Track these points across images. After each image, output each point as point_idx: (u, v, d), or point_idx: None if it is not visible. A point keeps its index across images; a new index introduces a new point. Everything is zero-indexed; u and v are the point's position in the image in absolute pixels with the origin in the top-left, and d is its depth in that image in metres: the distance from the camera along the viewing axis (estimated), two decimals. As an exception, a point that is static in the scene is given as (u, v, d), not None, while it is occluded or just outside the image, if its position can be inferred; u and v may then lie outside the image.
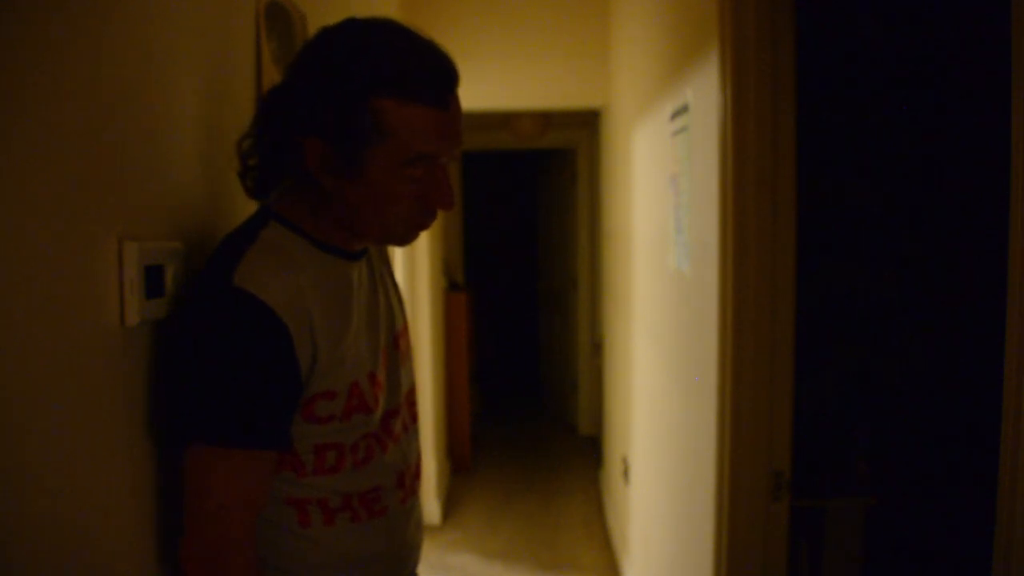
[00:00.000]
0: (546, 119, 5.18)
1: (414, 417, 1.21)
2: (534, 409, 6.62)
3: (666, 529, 2.42)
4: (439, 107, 0.95)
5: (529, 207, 7.14)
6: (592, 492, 4.68)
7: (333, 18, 1.01)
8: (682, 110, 2.05)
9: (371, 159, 0.94)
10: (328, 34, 0.97)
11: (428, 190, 0.99)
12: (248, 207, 1.12)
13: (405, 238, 1.06)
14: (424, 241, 3.99)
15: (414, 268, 3.94)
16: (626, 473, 3.44)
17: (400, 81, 0.92)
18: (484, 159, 6.72)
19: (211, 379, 0.92)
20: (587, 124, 5.23)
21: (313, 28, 1.22)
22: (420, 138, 0.94)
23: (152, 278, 0.94)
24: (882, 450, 2.50)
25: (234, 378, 0.92)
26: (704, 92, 1.79)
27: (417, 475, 1.20)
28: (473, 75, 4.20)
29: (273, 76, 1.38)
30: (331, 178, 0.97)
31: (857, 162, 2.60)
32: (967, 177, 2.53)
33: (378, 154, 0.94)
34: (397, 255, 3.55)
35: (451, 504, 4.49)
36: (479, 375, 5.85)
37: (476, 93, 3.89)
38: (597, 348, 5.14)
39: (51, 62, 0.77)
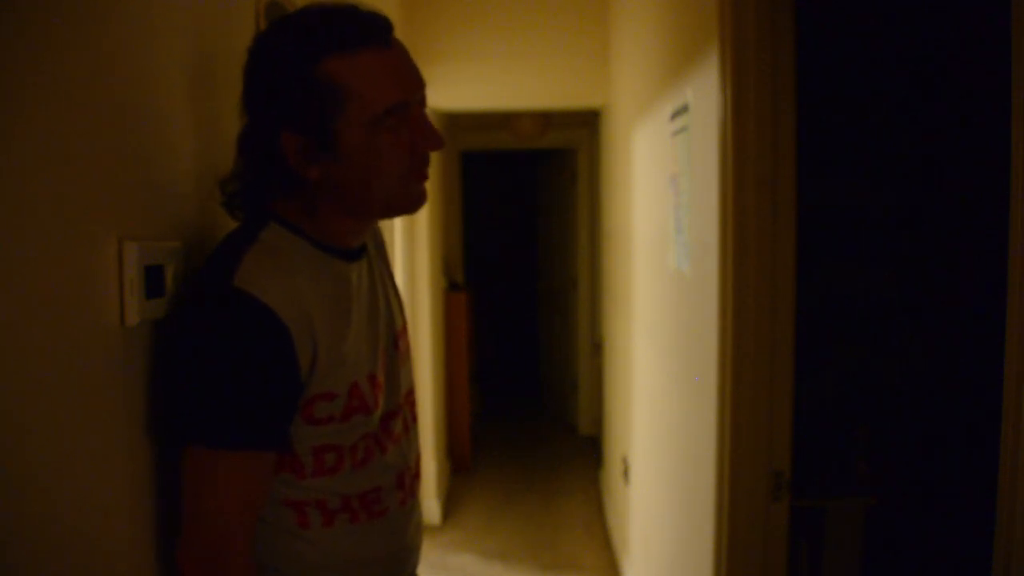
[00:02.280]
0: (546, 119, 5.19)
1: (414, 418, 1.21)
2: (534, 409, 6.62)
3: (666, 529, 2.42)
4: (381, 46, 0.95)
5: (529, 207, 7.14)
6: (592, 492, 4.68)
7: (333, 18, 1.00)
8: (682, 110, 2.05)
9: (343, 129, 0.94)
10: (259, 38, 0.98)
11: (412, 138, 0.98)
12: (248, 207, 1.12)
13: (412, 199, 1.03)
14: (424, 241, 3.99)
15: (414, 268, 3.94)
16: (626, 473, 3.44)
17: (334, 36, 0.93)
18: (484, 159, 6.72)
19: (211, 380, 0.91)
20: (587, 124, 5.23)
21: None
22: (376, 84, 0.93)
23: (152, 278, 0.94)
24: (882, 450, 2.50)
25: (234, 380, 0.92)
26: (704, 92, 1.79)
27: (417, 476, 1.20)
28: (473, 75, 4.22)
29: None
30: (316, 167, 0.96)
31: (857, 162, 2.60)
32: (967, 177, 2.53)
33: (348, 121, 0.93)
34: (397, 256, 3.55)
35: (451, 504, 4.49)
36: (479, 375, 5.85)
37: (476, 93, 3.91)
38: (597, 348, 5.14)
39: (51, 63, 0.77)
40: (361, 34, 0.94)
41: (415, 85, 0.98)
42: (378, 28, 0.95)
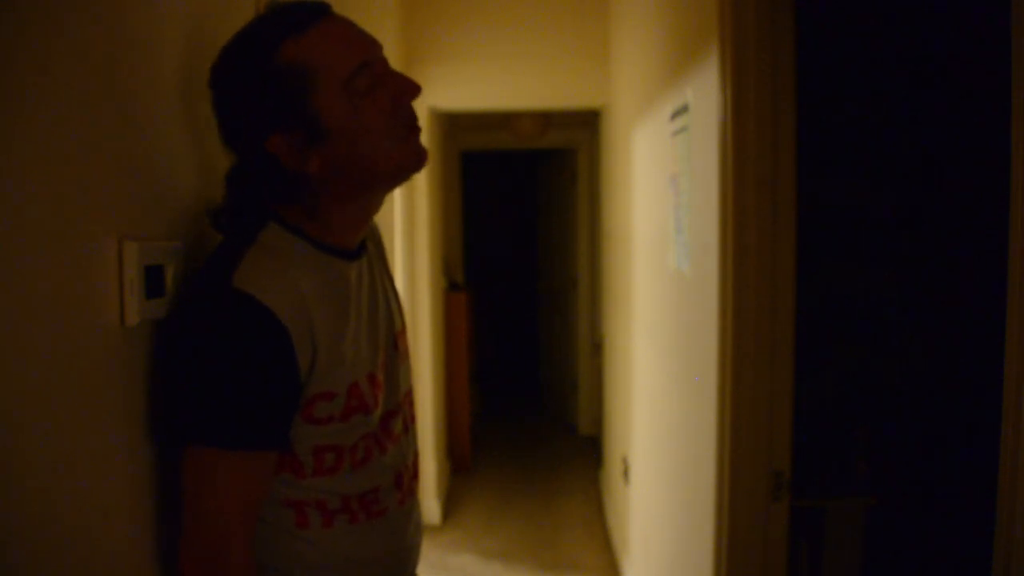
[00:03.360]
0: (546, 119, 5.19)
1: (413, 418, 1.21)
2: (534, 409, 6.62)
3: (666, 529, 2.42)
4: (325, 18, 0.97)
5: (529, 207, 7.14)
6: (592, 492, 4.68)
7: (333, 18, 1.01)
8: (682, 110, 2.05)
9: (322, 109, 0.95)
10: (213, 68, 0.99)
11: (389, 94, 0.98)
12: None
13: (413, 154, 1.02)
14: (424, 241, 3.99)
15: (414, 268, 3.94)
16: (626, 473, 3.44)
17: (279, 25, 0.95)
18: (484, 159, 6.72)
19: (211, 381, 0.91)
20: (587, 124, 5.23)
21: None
22: (332, 51, 0.95)
23: (152, 278, 0.94)
24: (882, 450, 2.50)
25: (234, 380, 0.92)
26: (704, 92, 1.79)
27: (415, 476, 1.20)
28: (473, 75, 4.22)
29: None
30: (312, 158, 0.96)
31: (857, 162, 2.60)
32: (967, 177, 2.53)
33: (322, 98, 0.94)
34: (397, 255, 3.55)
35: (451, 504, 4.49)
36: (479, 375, 5.85)
37: (476, 93, 3.92)
38: (597, 348, 5.14)
39: (51, 63, 0.77)
40: (303, 15, 0.96)
41: (370, 44, 1.00)
42: (316, 6, 0.98)
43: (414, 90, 1.00)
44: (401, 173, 1.06)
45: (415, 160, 1.03)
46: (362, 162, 0.99)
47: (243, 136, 0.99)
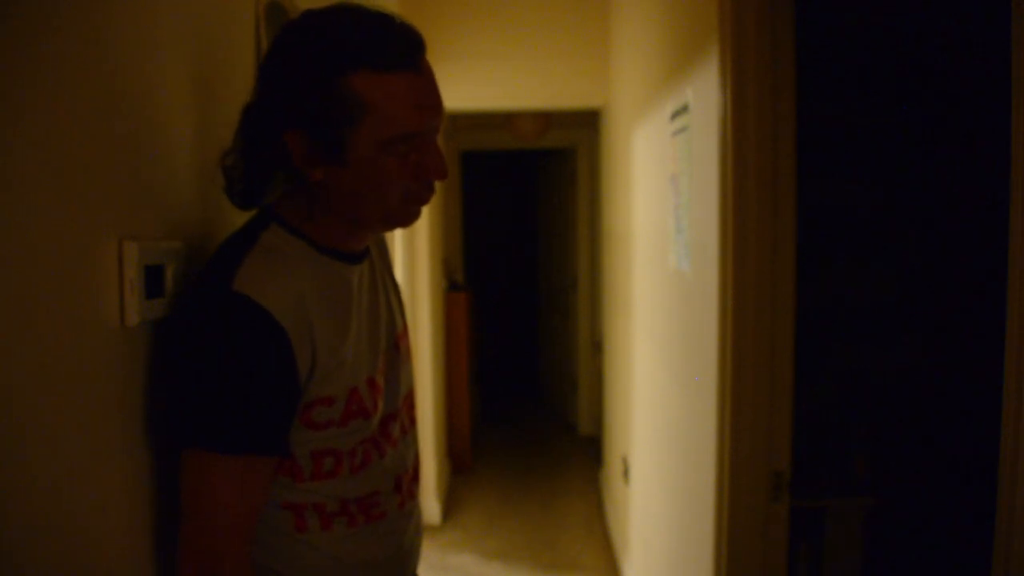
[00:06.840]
0: (546, 119, 5.18)
1: (412, 420, 1.21)
2: (534, 409, 6.62)
3: (666, 529, 2.42)
4: (410, 70, 0.93)
5: (529, 207, 7.14)
6: (592, 492, 4.68)
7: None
8: (682, 110, 2.05)
9: (355, 141, 0.93)
10: (289, 26, 0.97)
11: (420, 161, 0.97)
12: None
13: (407, 218, 1.03)
14: (424, 241, 3.99)
15: (414, 268, 3.94)
16: (626, 473, 3.44)
17: (367, 52, 0.91)
18: (484, 159, 6.72)
19: (210, 385, 0.91)
20: (587, 124, 5.23)
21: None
22: (398, 109, 0.92)
23: (152, 278, 0.94)
24: (882, 450, 2.50)
25: (233, 384, 0.91)
26: (704, 92, 1.79)
27: (415, 479, 1.20)
28: (473, 75, 4.21)
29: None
30: (320, 169, 0.95)
31: (857, 161, 2.60)
32: (967, 177, 2.53)
33: (361, 134, 0.92)
34: (397, 255, 3.55)
35: (451, 504, 4.49)
36: (479, 375, 5.85)
37: (476, 93, 3.91)
38: (597, 348, 5.14)
39: (51, 62, 0.77)
40: (395, 55, 0.92)
41: (435, 114, 0.97)
42: (412, 49, 0.94)
43: (441, 174, 0.99)
44: (388, 226, 1.07)
45: (405, 220, 1.04)
46: (359, 201, 0.98)
47: (270, 107, 0.96)
